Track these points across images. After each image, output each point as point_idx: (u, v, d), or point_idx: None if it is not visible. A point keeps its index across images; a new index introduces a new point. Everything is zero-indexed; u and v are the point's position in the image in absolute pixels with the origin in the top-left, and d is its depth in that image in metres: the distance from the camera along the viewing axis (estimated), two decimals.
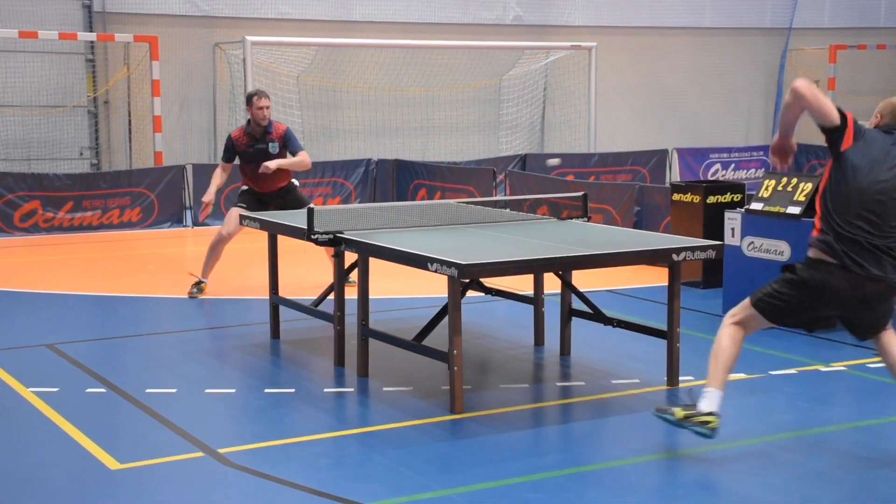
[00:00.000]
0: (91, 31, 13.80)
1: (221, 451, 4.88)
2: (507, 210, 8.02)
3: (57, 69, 13.79)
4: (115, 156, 14.35)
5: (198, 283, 8.57)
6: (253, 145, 8.41)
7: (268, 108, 8.41)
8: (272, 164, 8.24)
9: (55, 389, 5.85)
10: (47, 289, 8.95)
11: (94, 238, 11.97)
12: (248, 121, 8.49)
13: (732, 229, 7.64)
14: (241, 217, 7.41)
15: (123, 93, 14.20)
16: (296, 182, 8.67)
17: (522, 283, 7.17)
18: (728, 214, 7.75)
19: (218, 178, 8.63)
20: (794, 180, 7.39)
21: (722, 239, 7.62)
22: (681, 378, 5.95)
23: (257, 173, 8.35)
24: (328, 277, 6.55)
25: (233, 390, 5.90)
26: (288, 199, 8.46)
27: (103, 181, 12.55)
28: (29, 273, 9.80)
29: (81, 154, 14.07)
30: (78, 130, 14.02)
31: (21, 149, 13.67)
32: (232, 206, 8.63)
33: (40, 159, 13.69)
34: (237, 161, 8.59)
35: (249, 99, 8.51)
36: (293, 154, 8.47)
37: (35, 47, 13.46)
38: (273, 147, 8.40)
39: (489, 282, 7.03)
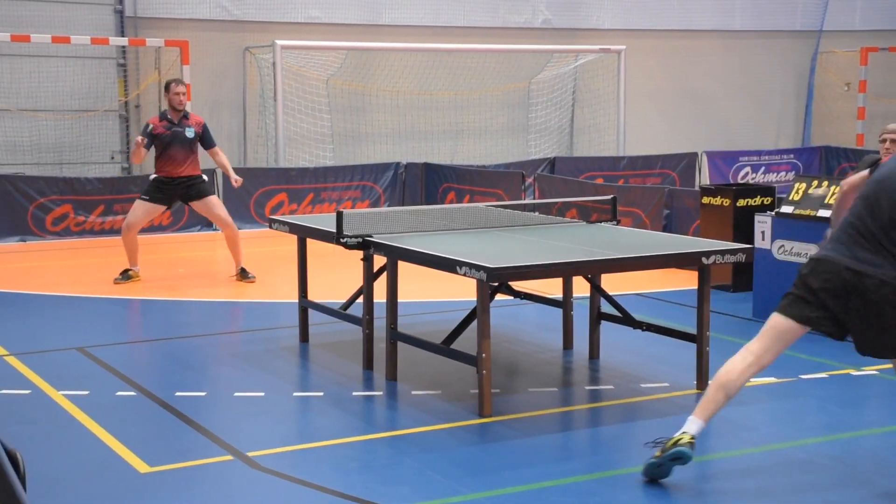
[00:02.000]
0: (123, 36, 13.91)
1: (250, 454, 4.90)
2: (536, 213, 8.01)
3: (89, 74, 13.91)
4: (146, 160, 14.41)
5: (125, 272, 9.23)
6: (170, 129, 9.08)
7: (184, 94, 9.12)
8: (237, 180, 9.17)
9: (86, 392, 5.89)
10: (78, 292, 9.02)
11: None
12: (164, 111, 9.22)
13: (763, 232, 7.57)
14: (271, 221, 7.44)
15: (154, 97, 14.29)
16: (205, 178, 9.34)
17: (551, 287, 7.15)
18: (758, 218, 7.69)
19: (138, 154, 9.16)
20: (825, 183, 7.32)
21: (752, 242, 7.56)
22: (710, 382, 5.88)
23: (171, 155, 9.03)
24: (357, 281, 6.55)
25: (262, 393, 5.91)
26: (192, 191, 9.19)
27: (134, 185, 12.61)
28: (60, 276, 9.89)
29: (112, 158, 14.19)
30: (109, 134, 14.13)
31: (53, 153, 13.80)
32: (137, 199, 9.36)
33: (72, 163, 13.81)
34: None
35: (167, 85, 9.25)
36: (208, 145, 9.20)
37: (67, 52, 13.58)
38: (189, 131, 9.11)
39: (518, 285, 7.01)
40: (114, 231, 12.30)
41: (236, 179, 9.16)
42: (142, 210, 9.19)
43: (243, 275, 9.24)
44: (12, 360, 6.61)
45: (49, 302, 8.69)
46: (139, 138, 9.03)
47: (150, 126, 9.14)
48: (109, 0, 14.00)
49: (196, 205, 9.35)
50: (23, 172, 12.76)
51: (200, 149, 9.28)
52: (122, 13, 14.05)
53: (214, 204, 9.36)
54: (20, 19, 13.26)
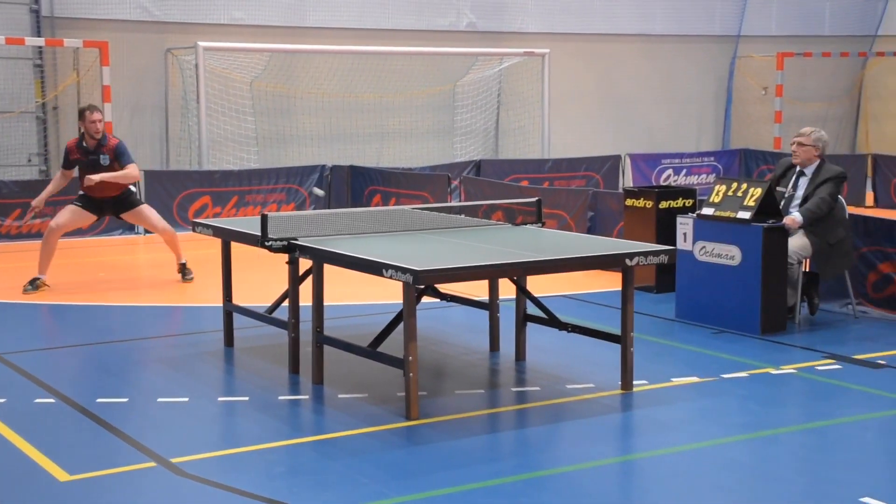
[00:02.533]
0: (39, 36, 13.59)
1: (174, 460, 4.82)
2: (462, 216, 8.03)
3: (4, 74, 13.57)
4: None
5: (33, 281, 8.97)
6: (87, 156, 9.07)
7: (100, 121, 9.00)
8: (95, 178, 8.90)
9: (2, 400, 5.74)
10: None
11: None
12: (82, 134, 9.10)
13: (684, 234, 7.71)
14: (195, 224, 7.34)
15: (73, 98, 13.98)
16: (132, 189, 9.34)
17: (477, 289, 7.17)
18: (680, 219, 7.82)
19: (52, 185, 9.34)
20: (745, 185, 7.48)
21: (674, 244, 7.68)
22: (635, 382, 5.99)
23: (91, 179, 8.96)
24: (282, 284, 6.50)
25: (186, 399, 5.83)
26: (122, 205, 9.23)
27: None
28: None
29: (30, 161, 13.85)
30: (26, 137, 13.79)
31: None
32: (70, 204, 9.31)
33: None
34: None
35: (81, 113, 9.17)
36: (125, 164, 9.05)
37: None
38: (104, 159, 9.04)
39: (444, 287, 7.03)
40: (31, 235, 12.03)
41: (93, 179, 8.94)
42: (71, 214, 9.14)
43: (184, 272, 9.30)
44: None
45: None
46: (35, 203, 9.16)
47: (67, 152, 9.19)
48: None
49: (128, 216, 9.37)
50: None
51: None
52: (39, 13, 13.72)
53: (147, 213, 9.34)
54: None
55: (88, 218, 9.33)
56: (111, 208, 9.28)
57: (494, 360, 6.72)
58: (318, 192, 7.70)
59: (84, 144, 9.05)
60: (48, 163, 13.96)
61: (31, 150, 13.86)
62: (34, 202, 9.22)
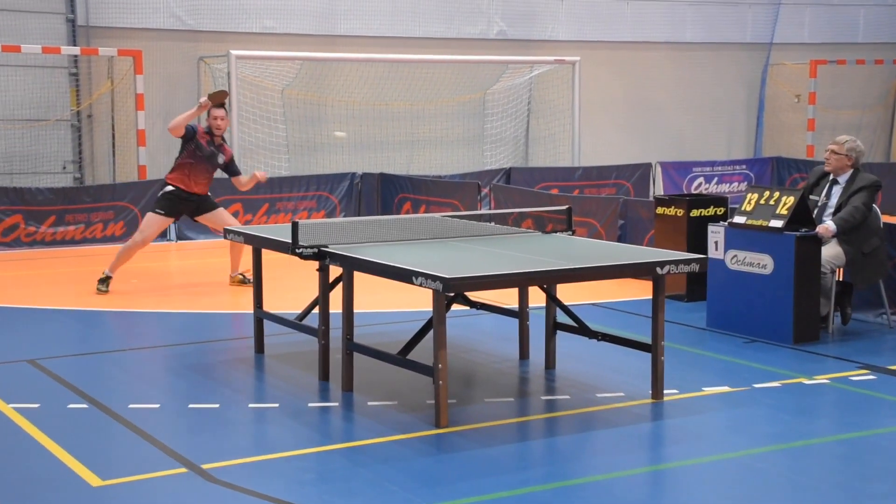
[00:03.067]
0: (74, 45, 13.74)
1: (205, 466, 4.85)
2: (492, 224, 8.03)
3: (40, 83, 13.73)
4: (99, 170, 14.28)
5: (104, 280, 9.15)
6: (210, 144, 9.15)
7: (222, 119, 9.16)
8: (263, 174, 9.28)
9: (36, 405, 5.80)
10: (29, 304, 8.88)
11: (77, 252, 11.90)
12: (208, 126, 9.25)
13: (716, 242, 7.66)
14: (227, 231, 7.39)
15: (107, 107, 14.14)
16: (211, 196, 9.46)
17: (507, 297, 7.16)
18: (711, 228, 7.77)
19: (187, 113, 9.14)
20: (777, 194, 7.42)
21: (705, 252, 7.64)
22: (665, 391, 5.95)
23: (198, 169, 9.05)
24: (313, 292, 6.53)
25: (217, 405, 5.86)
26: (202, 207, 9.27)
27: (86, 195, 12.50)
28: (11, 287, 9.73)
29: (64, 168, 14.00)
30: (61, 144, 13.95)
31: (3, 163, 13.59)
32: (148, 212, 9.33)
33: (23, 173, 13.61)
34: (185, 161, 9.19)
35: (209, 111, 9.22)
36: (235, 173, 9.36)
37: (18, 61, 13.40)
38: (220, 158, 9.19)
39: (474, 295, 7.02)
40: (65, 242, 12.17)
41: (261, 175, 9.21)
42: (155, 226, 9.19)
43: (243, 278, 9.34)
44: None
45: None
46: (204, 100, 9.07)
47: (195, 131, 9.16)
48: (61, 9, 13.83)
49: (204, 218, 9.35)
50: None
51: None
52: (74, 22, 13.88)
53: (224, 216, 9.37)
54: None
55: (168, 222, 9.38)
56: (191, 208, 9.26)
57: (524, 368, 6.70)
58: (340, 134, 7.82)
59: (209, 132, 9.16)
60: (82, 170, 14.10)
61: (65, 157, 14.01)
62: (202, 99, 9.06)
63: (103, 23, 14.10)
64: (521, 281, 5.95)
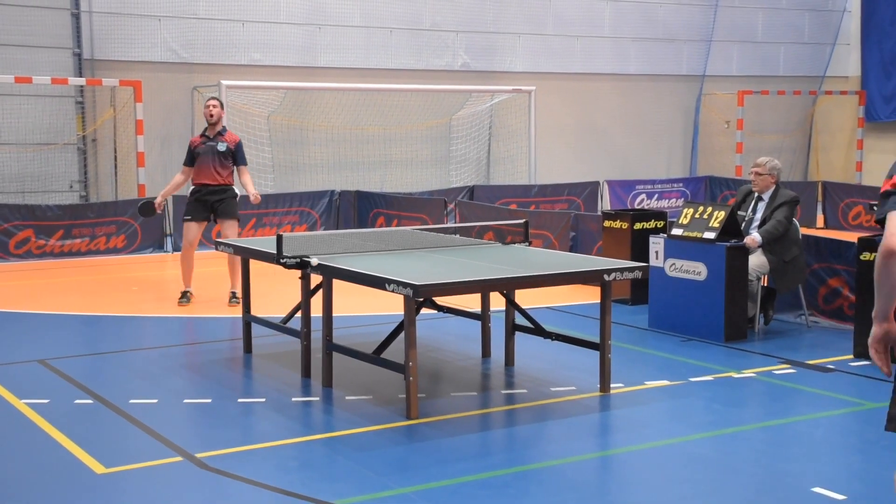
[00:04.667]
0: (81, 77, 13.62)
1: (199, 455, 4.81)
2: (457, 236, 8.04)
3: (49, 110, 13.59)
4: (102, 188, 14.14)
5: (185, 293, 8.90)
6: (205, 143, 8.84)
7: (215, 107, 8.85)
8: (256, 195, 8.76)
9: (46, 401, 5.73)
10: (40, 309, 8.77)
11: (83, 263, 11.77)
12: (205, 127, 8.98)
13: (656, 252, 7.72)
14: (217, 243, 7.34)
15: (110, 131, 14.01)
16: (236, 192, 8.95)
17: (471, 301, 7.18)
18: (652, 239, 7.82)
19: (172, 184, 9.11)
20: (710, 209, 7.50)
21: (647, 261, 7.69)
22: (612, 385, 5.98)
23: (204, 164, 8.75)
24: (295, 297, 6.50)
25: (209, 400, 5.81)
26: (225, 202, 8.82)
27: (91, 211, 12.38)
28: (23, 295, 9.60)
29: (71, 187, 13.85)
30: (68, 165, 13.80)
31: (16, 182, 13.42)
32: (182, 222, 9.02)
33: (34, 192, 13.45)
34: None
35: (205, 105, 9.05)
36: (239, 162, 8.90)
37: (30, 91, 13.25)
38: (222, 145, 8.85)
39: (441, 300, 7.02)
40: (72, 253, 12.04)
41: (255, 196, 8.73)
42: (193, 231, 8.84)
43: (233, 297, 8.77)
44: None
45: (12, 318, 8.42)
46: (158, 199, 8.97)
47: (189, 145, 8.93)
48: (68, 44, 13.70)
49: (222, 222, 8.82)
50: None
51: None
52: (80, 56, 13.76)
53: (229, 230, 8.79)
54: None
55: (203, 225, 8.91)
56: (216, 206, 8.76)
57: (486, 365, 6.71)
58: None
59: (205, 133, 8.88)
60: (87, 188, 13.96)
61: (72, 177, 13.87)
62: (158, 200, 8.95)
63: (106, 56, 13.99)
64: (483, 287, 5.96)
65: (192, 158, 8.87)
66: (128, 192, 13.83)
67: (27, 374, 6.44)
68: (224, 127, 8.98)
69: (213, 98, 9.04)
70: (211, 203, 8.81)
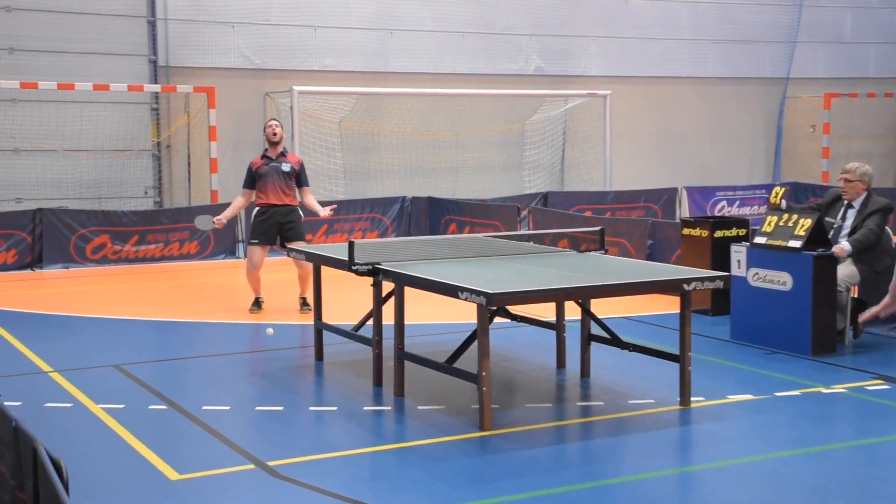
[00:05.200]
0: (156, 84, 13.99)
1: (271, 463, 4.86)
2: (531, 243, 8.00)
3: (125, 117, 13.99)
4: (176, 194, 14.49)
5: (256, 302, 9.00)
6: (268, 164, 8.87)
7: (278, 126, 8.94)
8: (327, 211, 8.89)
9: (121, 406, 5.87)
10: (115, 314, 9.01)
11: (157, 268, 12.06)
12: (265, 148, 9.00)
13: (738, 261, 7.56)
14: (289, 250, 7.45)
15: (184, 138, 14.35)
16: (301, 214, 8.98)
17: (545, 311, 7.13)
18: (734, 247, 7.67)
19: (233, 207, 9.13)
20: (795, 216, 7.31)
21: (728, 270, 7.54)
22: (692, 399, 5.87)
23: (269, 184, 8.77)
24: (367, 305, 6.54)
25: (281, 408, 5.88)
26: (291, 224, 8.82)
27: (165, 217, 12.68)
28: (99, 300, 9.88)
29: (146, 193, 14.22)
30: (143, 172, 14.18)
31: (93, 189, 13.84)
32: (248, 245, 8.99)
33: (110, 198, 13.85)
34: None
35: (265, 126, 9.08)
36: (302, 184, 8.95)
37: (107, 98, 13.66)
38: (286, 166, 8.89)
39: (515, 309, 6.99)
40: (146, 259, 12.34)
41: (326, 213, 8.82)
42: (258, 254, 8.80)
43: (304, 304, 8.90)
44: (56, 377, 6.59)
45: (89, 323, 8.67)
46: (217, 222, 8.89)
47: (249, 167, 8.95)
48: (144, 51, 14.09)
49: (289, 245, 8.68)
50: (66, 206, 12.80)
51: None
52: (156, 63, 14.14)
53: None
54: (65, 70, 13.37)
55: (267, 248, 8.91)
56: (284, 230, 8.79)
57: (561, 376, 6.65)
58: (269, 331, 7.40)
59: (266, 154, 8.90)
60: (162, 194, 14.32)
61: (147, 183, 14.24)
62: (218, 219, 8.90)
63: (181, 63, 14.34)
64: (558, 296, 5.92)
65: (252, 180, 8.88)
66: (201, 197, 14.13)
67: (103, 378, 6.61)
68: (285, 148, 9.05)
69: (274, 119, 9.14)
70: (278, 226, 8.80)
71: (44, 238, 11.95)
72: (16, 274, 11.60)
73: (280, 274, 10.61)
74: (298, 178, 8.94)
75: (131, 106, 14.05)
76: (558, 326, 6.76)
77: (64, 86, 12.95)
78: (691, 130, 17.85)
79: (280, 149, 8.94)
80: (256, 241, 8.84)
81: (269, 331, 7.45)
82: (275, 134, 8.88)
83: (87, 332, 8.34)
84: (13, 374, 6.68)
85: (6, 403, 3.40)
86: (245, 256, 12.54)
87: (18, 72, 13.15)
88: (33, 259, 11.95)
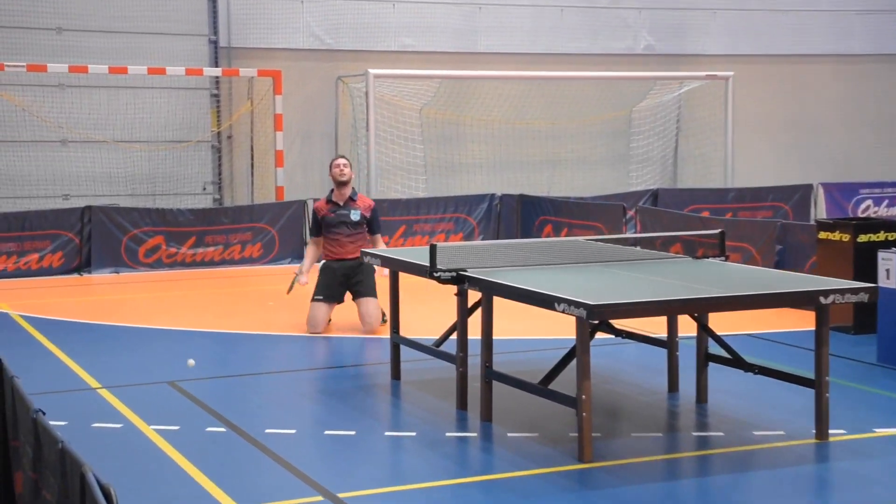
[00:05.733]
0: (216, 67, 14.30)
1: (341, 495, 4.91)
2: (638, 248, 7.93)
3: (182, 105, 14.33)
4: (237, 191, 14.78)
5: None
6: (335, 211, 8.75)
7: (346, 166, 8.80)
8: (385, 272, 8.00)
9: (176, 427, 6.00)
10: (170, 325, 9.23)
11: (216, 274, 12.32)
12: (332, 190, 8.83)
13: (888, 270, 7.34)
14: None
15: (246, 127, 14.64)
16: (375, 267, 8.56)
17: (655, 326, 7.03)
18: (882, 255, 7.46)
19: (308, 259, 9.01)
20: None
21: (875, 281, 7.32)
22: (831, 431, 5.71)
23: (335, 236, 8.68)
24: (450, 317, 6.56)
25: (352, 432, 5.94)
26: (363, 279, 8.63)
27: (225, 216, 12.94)
28: (152, 309, 10.14)
29: (204, 189, 14.54)
30: (201, 165, 14.50)
31: (147, 184, 14.22)
32: (311, 302, 8.72)
33: (164, 194, 14.21)
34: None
35: (330, 163, 8.95)
36: (374, 231, 8.82)
37: (162, 83, 14.03)
38: (354, 214, 8.73)
39: (619, 323, 6.92)
40: (205, 263, 12.61)
41: (384, 274, 8.07)
42: (322, 312, 8.63)
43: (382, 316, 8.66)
44: (105, 393, 6.79)
45: (141, 335, 8.91)
46: (302, 280, 8.81)
47: (314, 213, 8.91)
48: (204, 31, 14.42)
49: (360, 301, 8.67)
50: (117, 204, 13.17)
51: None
52: (217, 43, 14.45)
53: (371, 308, 8.61)
54: (117, 51, 13.76)
55: (333, 307, 8.73)
56: (353, 285, 8.67)
57: (673, 401, 6.55)
58: (191, 362, 7.13)
59: (332, 199, 8.77)
60: (221, 191, 14.63)
61: (205, 178, 14.57)
62: (302, 278, 8.80)
63: (244, 44, 14.64)
64: (670, 309, 5.83)
65: (319, 227, 8.82)
66: (265, 194, 14.39)
67: (156, 396, 6.78)
68: (354, 189, 8.86)
69: (342, 157, 8.98)
70: (347, 282, 8.67)
71: (92, 239, 12.32)
72: (62, 279, 12.00)
73: None
74: (370, 224, 8.80)
75: (189, 92, 14.40)
76: (670, 344, 6.67)
77: (116, 69, 13.34)
78: (829, 117, 17.42)
79: (348, 191, 8.75)
80: (321, 297, 8.64)
81: (191, 362, 7.14)
82: (342, 174, 8.71)
83: (139, 344, 8.57)
84: (59, 390, 6.90)
85: (51, 423, 3.50)
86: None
87: (67, 54, 13.60)
88: (81, 262, 12.32)
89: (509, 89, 15.52)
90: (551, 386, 5.70)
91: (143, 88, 14.01)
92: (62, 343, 8.35)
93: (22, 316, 9.54)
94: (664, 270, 6.34)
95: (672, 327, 6.65)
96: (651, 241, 10.56)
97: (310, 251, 9.09)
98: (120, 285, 11.67)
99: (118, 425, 6.06)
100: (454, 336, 6.48)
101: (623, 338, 7.07)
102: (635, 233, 12.28)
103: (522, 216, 13.87)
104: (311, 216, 8.90)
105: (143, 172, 14.23)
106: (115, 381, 7.11)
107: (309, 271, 8.93)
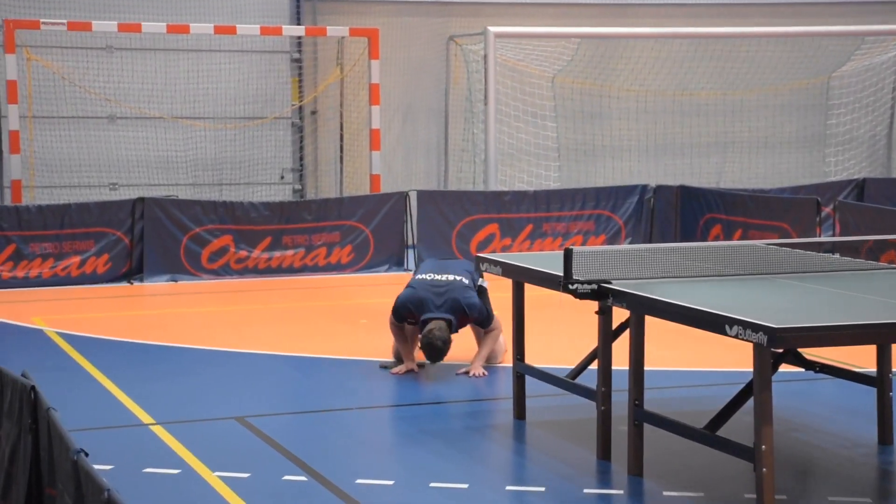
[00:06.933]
0: (298, 24, 14.45)
1: None
2: (837, 255, 7.78)
3: (256, 72, 14.51)
4: (323, 180, 14.92)
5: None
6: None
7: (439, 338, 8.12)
8: (478, 370, 8.21)
9: (246, 475, 6.10)
10: (238, 347, 9.38)
11: (296, 283, 12.47)
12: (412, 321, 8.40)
13: None
14: (479, 260, 7.55)
15: (335, 100, 14.75)
16: (484, 283, 8.44)
17: (860, 357, 6.89)
18: None
19: (401, 342, 8.52)
20: None
21: None
22: None
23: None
24: (590, 341, 6.53)
25: (465, 485, 5.96)
26: None
27: (308, 212, 13.02)
28: (218, 327, 10.34)
29: (282, 177, 14.70)
30: (279, 148, 14.66)
31: (212, 171, 14.41)
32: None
33: (234, 184, 14.39)
34: None
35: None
36: (484, 326, 8.38)
37: (232, 45, 14.23)
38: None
39: (811, 353, 6.80)
40: (281, 270, 12.72)
41: (480, 373, 8.24)
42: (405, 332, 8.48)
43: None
44: (159, 431, 6.95)
45: (203, 358, 9.09)
46: (406, 368, 8.40)
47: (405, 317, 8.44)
48: None
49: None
50: (176, 195, 13.38)
51: None
52: None
53: (489, 338, 8.48)
54: (177, 7, 14.02)
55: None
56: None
57: (885, 457, 6.43)
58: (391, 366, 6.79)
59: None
60: (304, 180, 14.78)
61: (284, 164, 14.74)
62: (404, 367, 8.38)
63: None
64: (880, 335, 5.70)
65: (403, 318, 8.37)
66: (357, 185, 14.53)
67: (222, 435, 6.92)
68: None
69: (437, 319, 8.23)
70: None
71: (145, 239, 12.55)
72: (108, 288, 12.31)
73: None
74: (485, 324, 8.37)
75: (265, 56, 14.61)
76: (881, 381, 6.53)
77: (175, 28, 13.55)
78: None
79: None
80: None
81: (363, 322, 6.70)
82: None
83: (201, 370, 8.76)
84: (105, 426, 7.10)
85: (95, 466, 3.60)
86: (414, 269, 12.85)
87: (115, 10, 13.90)
88: (131, 267, 12.57)
89: (668, 51, 15.39)
90: (720, 432, 5.63)
91: (209, 52, 14.25)
92: (108, 368, 8.56)
93: (59, 333, 9.82)
94: (872, 285, 6.24)
95: (884, 359, 6.51)
96: (855, 247, 10.34)
97: (399, 336, 8.50)
98: (178, 296, 11.92)
99: (175, 471, 6.19)
100: (594, 366, 6.46)
101: (816, 371, 6.93)
102: (833, 235, 12.04)
103: (683, 213, 13.73)
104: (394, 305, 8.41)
105: (208, 156, 14.46)
106: (171, 415, 7.27)
107: (413, 361, 8.42)
